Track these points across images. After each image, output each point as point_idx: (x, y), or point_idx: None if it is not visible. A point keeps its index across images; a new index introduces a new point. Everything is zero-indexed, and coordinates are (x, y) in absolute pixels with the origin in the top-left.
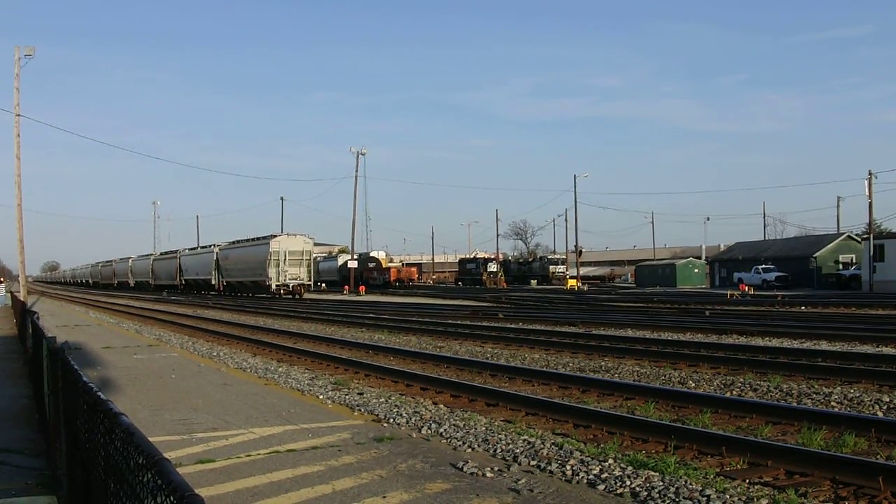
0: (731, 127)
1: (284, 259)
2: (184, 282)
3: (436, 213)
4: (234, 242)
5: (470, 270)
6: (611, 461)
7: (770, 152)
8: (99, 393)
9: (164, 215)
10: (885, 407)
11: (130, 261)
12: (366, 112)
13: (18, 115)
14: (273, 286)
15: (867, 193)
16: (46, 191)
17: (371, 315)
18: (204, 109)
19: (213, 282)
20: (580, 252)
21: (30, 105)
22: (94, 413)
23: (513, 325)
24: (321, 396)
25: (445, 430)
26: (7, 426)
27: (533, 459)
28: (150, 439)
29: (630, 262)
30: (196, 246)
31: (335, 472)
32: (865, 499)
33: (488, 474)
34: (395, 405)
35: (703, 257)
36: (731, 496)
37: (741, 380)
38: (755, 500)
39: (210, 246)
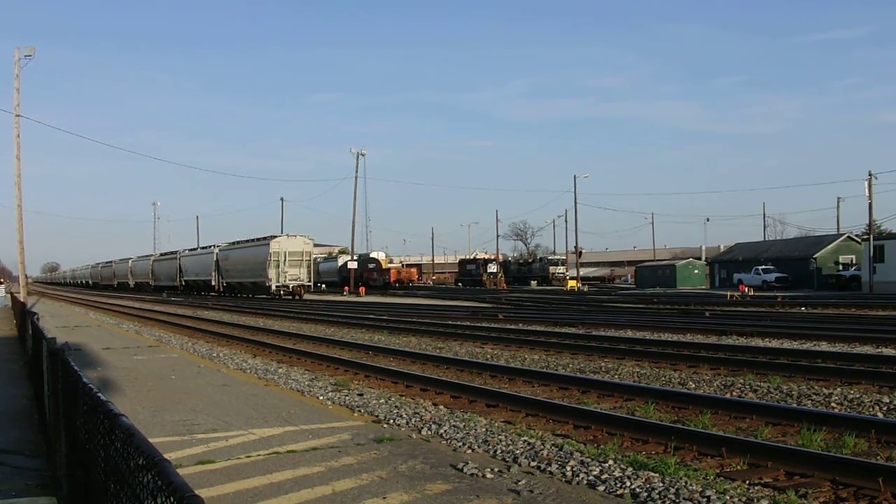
0: (731, 128)
1: (284, 260)
2: (184, 283)
3: (436, 213)
4: (233, 243)
5: (470, 271)
6: (611, 462)
7: (769, 153)
8: (99, 394)
9: (164, 216)
10: (885, 408)
11: (130, 262)
12: (365, 112)
13: (18, 116)
14: (273, 287)
15: (867, 194)
16: (46, 191)
17: (371, 316)
18: (204, 110)
19: (213, 283)
20: (580, 253)
21: (30, 105)
22: (94, 414)
23: (513, 326)
24: (321, 397)
25: (445, 431)
26: (7, 427)
27: (533, 460)
28: (150, 440)
29: (630, 263)
30: (196, 247)
31: (335, 473)
32: (865, 500)
33: (488, 475)
34: (395, 406)
35: (703, 258)
36: (731, 497)
37: (741, 381)
38: (755, 501)
39: (210, 247)
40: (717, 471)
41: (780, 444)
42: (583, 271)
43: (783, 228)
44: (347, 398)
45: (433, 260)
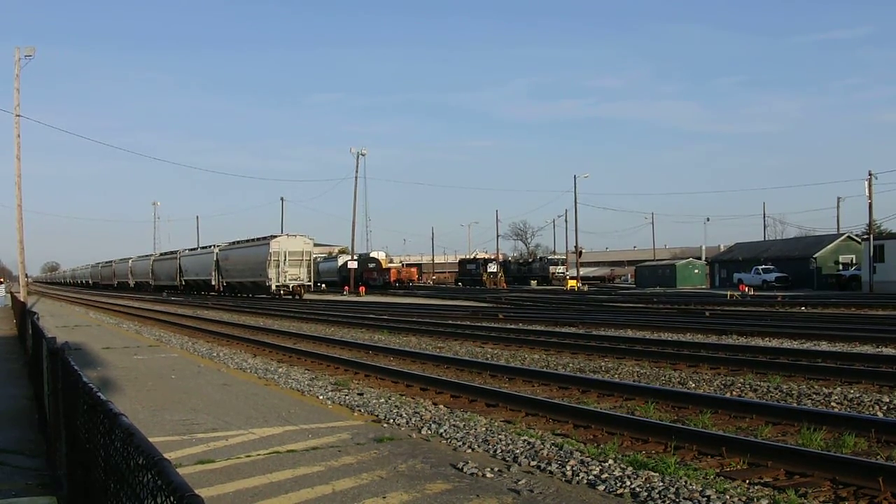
0: (731, 128)
1: (284, 259)
2: (184, 282)
3: (436, 213)
4: (234, 243)
5: (470, 271)
6: (611, 462)
7: (769, 153)
8: (99, 393)
9: (164, 216)
10: (885, 407)
11: (130, 261)
12: (366, 113)
13: (18, 116)
14: (273, 287)
15: (867, 194)
16: (46, 191)
17: (371, 316)
18: (204, 110)
19: (213, 282)
20: (580, 252)
21: (30, 105)
22: (93, 413)
23: (513, 326)
24: (321, 397)
25: (445, 430)
26: (7, 426)
27: (533, 460)
28: (150, 440)
29: (630, 263)
30: (196, 246)
31: (335, 473)
32: (865, 499)
33: (488, 475)
34: (395, 406)
35: (703, 258)
36: (731, 496)
37: (741, 380)
38: (755, 500)
39: (210, 246)
40: (717, 470)
41: (780, 444)
42: (583, 271)
43: (783, 228)
44: (347, 398)
45: (433, 260)
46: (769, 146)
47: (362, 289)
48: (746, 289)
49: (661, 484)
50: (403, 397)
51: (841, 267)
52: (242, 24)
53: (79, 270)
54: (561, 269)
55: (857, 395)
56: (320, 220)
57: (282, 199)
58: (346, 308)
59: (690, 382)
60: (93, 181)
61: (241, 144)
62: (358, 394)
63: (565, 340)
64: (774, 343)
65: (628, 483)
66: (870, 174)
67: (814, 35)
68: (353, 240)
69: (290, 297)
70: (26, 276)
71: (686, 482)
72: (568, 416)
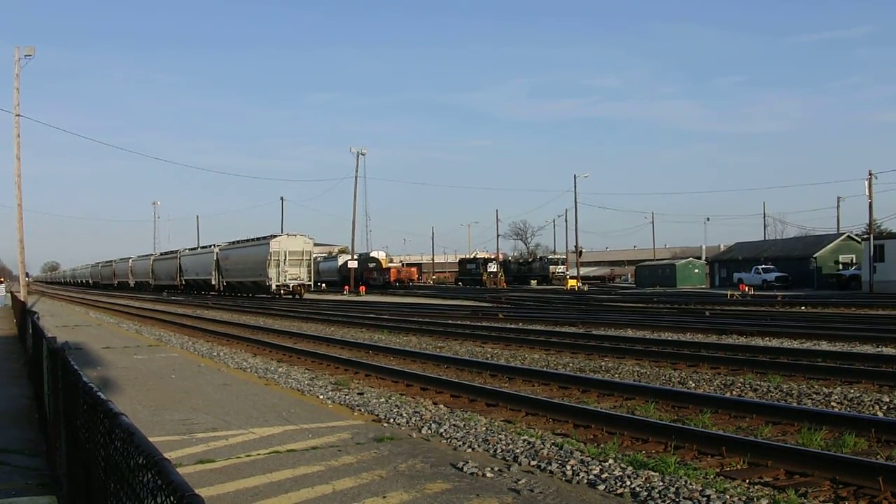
0: (731, 127)
1: (284, 259)
2: (184, 282)
3: (436, 213)
4: (234, 243)
5: (470, 270)
6: (611, 461)
7: (769, 153)
8: (99, 393)
9: (164, 216)
10: (885, 407)
11: (130, 261)
12: (366, 112)
13: (18, 116)
14: (273, 286)
15: (867, 193)
16: (46, 191)
17: (371, 315)
18: (204, 110)
19: (213, 282)
20: (580, 252)
21: (30, 105)
22: (94, 413)
23: (513, 326)
24: (321, 396)
25: (445, 430)
26: (7, 426)
27: (533, 459)
28: (150, 439)
29: (630, 263)
30: (196, 246)
31: (335, 473)
32: (865, 499)
33: (488, 474)
34: (396, 405)
35: (704, 257)
36: (731, 496)
37: (741, 380)
38: (755, 500)
39: (210, 246)
40: (717, 470)
41: (780, 444)
42: (583, 270)
43: (783, 228)
44: (347, 397)
45: (433, 259)
46: (769, 146)
47: (362, 288)
48: (746, 288)
49: (661, 483)
50: (403, 397)
51: (841, 267)
52: (242, 24)
53: (79, 270)
54: (561, 268)
55: (857, 395)
56: (320, 220)
57: (282, 198)
58: (346, 308)
59: (690, 382)
60: (93, 181)
61: (241, 144)
62: (358, 393)
63: (565, 340)
64: (774, 343)
65: (628, 483)
66: (870, 174)
67: (814, 35)
68: (353, 239)
69: (290, 296)
70: (26, 275)
71: (686, 482)
72: (568, 415)
